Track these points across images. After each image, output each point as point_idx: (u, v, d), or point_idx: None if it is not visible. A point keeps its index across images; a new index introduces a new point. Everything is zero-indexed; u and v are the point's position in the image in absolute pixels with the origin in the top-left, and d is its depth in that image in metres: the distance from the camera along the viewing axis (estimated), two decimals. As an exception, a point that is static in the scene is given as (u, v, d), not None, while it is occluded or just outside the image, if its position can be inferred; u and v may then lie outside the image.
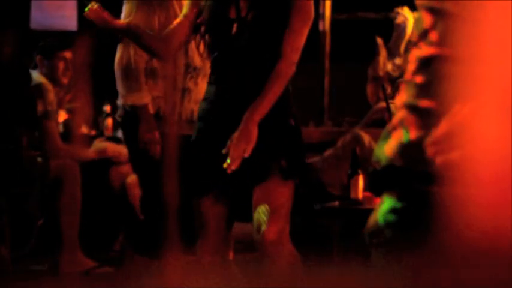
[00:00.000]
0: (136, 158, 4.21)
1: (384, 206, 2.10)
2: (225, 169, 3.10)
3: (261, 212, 3.15)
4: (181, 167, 3.65)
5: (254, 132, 3.10)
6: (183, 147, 3.40)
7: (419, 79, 1.92)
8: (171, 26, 3.31)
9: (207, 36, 3.26)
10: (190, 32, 3.30)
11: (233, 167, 3.08)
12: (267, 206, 3.15)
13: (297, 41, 3.19)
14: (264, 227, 3.13)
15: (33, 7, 7.15)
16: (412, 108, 1.95)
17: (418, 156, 1.91)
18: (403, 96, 2.03)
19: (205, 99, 3.29)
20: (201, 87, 4.03)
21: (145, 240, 4.04)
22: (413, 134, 1.95)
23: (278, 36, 3.18)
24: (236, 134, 3.10)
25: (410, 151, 1.96)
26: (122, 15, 4.12)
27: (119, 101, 4.25)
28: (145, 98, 4.09)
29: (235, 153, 3.08)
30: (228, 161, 3.08)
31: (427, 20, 1.91)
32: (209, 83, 3.29)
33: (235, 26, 3.18)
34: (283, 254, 3.16)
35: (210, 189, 3.22)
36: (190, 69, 4.14)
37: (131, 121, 4.16)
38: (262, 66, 3.18)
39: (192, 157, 3.27)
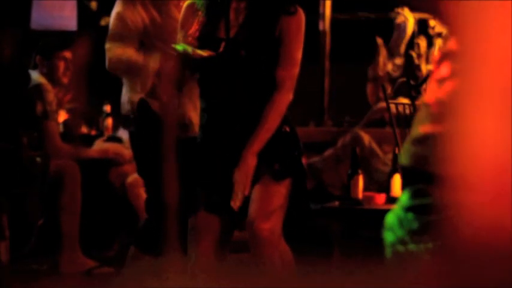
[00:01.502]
0: (142, 160, 4.16)
1: (399, 204, 2.12)
2: (219, 185, 3.19)
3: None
4: (180, 175, 3.68)
5: (252, 165, 3.15)
6: (181, 151, 3.40)
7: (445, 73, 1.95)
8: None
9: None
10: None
11: (238, 203, 3.15)
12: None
13: (294, 58, 3.22)
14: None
15: (34, 7, 7.15)
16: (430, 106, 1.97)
17: (423, 155, 1.92)
18: (426, 96, 2.05)
19: (200, 115, 3.32)
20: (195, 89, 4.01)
21: (149, 239, 4.03)
22: (421, 131, 1.97)
23: (267, 55, 3.19)
24: (236, 171, 3.15)
25: (417, 151, 1.97)
26: (113, 13, 4.07)
27: (126, 112, 4.15)
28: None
29: (238, 190, 3.15)
30: (234, 198, 3.16)
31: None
32: (200, 99, 3.32)
33: (222, 45, 3.19)
34: (276, 253, 3.17)
35: (207, 204, 3.24)
36: None
37: (136, 124, 4.10)
38: (252, 83, 3.20)
39: (190, 173, 3.31)
